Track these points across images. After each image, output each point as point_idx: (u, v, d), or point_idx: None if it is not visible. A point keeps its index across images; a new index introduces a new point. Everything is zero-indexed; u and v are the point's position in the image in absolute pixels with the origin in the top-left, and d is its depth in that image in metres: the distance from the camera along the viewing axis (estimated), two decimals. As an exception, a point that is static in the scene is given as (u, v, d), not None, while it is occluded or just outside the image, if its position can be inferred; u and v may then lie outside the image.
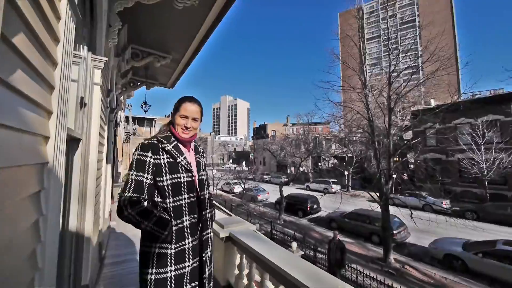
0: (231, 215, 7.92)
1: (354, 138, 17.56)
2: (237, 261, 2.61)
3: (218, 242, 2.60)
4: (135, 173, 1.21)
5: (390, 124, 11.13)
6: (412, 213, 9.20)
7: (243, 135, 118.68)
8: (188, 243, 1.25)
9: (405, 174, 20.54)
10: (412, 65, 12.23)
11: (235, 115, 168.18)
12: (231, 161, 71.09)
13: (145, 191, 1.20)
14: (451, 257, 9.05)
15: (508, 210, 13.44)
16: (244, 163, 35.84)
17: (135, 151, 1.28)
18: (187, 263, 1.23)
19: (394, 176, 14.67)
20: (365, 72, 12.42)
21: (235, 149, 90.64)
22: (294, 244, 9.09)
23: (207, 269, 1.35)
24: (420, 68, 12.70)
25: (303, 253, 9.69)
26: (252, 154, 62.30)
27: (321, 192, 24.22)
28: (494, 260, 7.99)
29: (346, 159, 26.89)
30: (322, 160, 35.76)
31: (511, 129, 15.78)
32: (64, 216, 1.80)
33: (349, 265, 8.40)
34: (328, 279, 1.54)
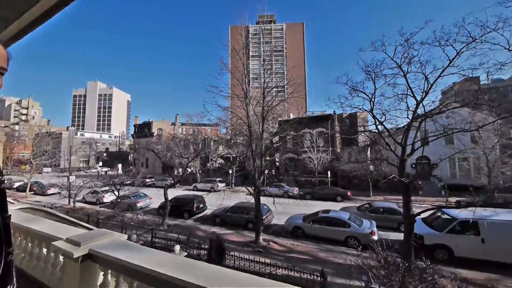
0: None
1: (238, 141, 19.92)
2: (100, 280, 2.26)
3: (71, 265, 2.14)
4: None
5: (263, 130, 13.57)
6: (274, 200, 11.85)
7: (120, 132, 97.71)
8: None
9: (273, 170, 25.82)
10: (279, 84, 15.57)
11: (110, 108, 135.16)
12: (100, 164, 56.68)
13: None
14: (296, 228, 12.55)
15: (325, 190, 20.78)
16: (120, 165, 29.79)
17: None
18: None
19: (266, 172, 18.21)
20: (246, 84, 14.32)
21: (107, 148, 73.16)
22: (177, 247, 8.92)
23: None
24: (285, 88, 16.47)
25: (186, 253, 9.70)
26: (131, 155, 53.05)
27: (207, 191, 25.09)
28: (317, 224, 12.02)
29: (231, 159, 29.64)
30: (210, 161, 37.00)
31: (328, 138, 24.50)
32: None
33: (228, 253, 9.44)
34: (201, 266, 1.69)
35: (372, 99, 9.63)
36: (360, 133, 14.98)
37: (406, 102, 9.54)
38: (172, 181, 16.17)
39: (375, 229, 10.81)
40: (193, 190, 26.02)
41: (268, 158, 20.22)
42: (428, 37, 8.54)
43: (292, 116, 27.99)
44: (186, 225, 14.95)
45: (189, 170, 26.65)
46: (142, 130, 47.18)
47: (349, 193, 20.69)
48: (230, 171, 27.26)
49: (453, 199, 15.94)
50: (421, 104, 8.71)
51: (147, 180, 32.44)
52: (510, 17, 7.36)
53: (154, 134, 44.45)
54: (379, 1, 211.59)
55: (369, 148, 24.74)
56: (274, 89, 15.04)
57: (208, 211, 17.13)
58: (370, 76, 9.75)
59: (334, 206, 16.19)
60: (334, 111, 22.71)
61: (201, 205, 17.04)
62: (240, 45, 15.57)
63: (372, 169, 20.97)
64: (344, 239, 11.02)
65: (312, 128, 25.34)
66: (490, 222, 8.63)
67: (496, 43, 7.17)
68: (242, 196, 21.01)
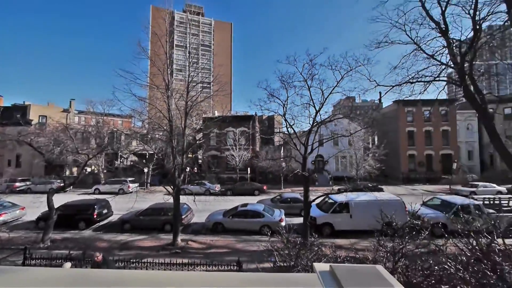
0: None
1: (157, 136, 18.06)
2: None
3: None
4: None
5: (186, 126, 13.01)
6: (195, 198, 11.68)
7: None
8: None
9: (195, 168, 25.17)
10: (205, 80, 15.30)
11: None
12: None
13: None
14: (217, 224, 12.88)
15: (245, 186, 22.39)
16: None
17: None
18: None
19: (187, 169, 17.54)
20: (168, 75, 13.22)
21: None
22: (67, 264, 7.24)
23: None
24: (212, 85, 16.31)
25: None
26: (-13, 149, 37.32)
27: (115, 193, 21.41)
28: (236, 218, 12.81)
29: (147, 156, 26.48)
30: (119, 158, 31.62)
31: (249, 137, 26.43)
32: None
33: (139, 261, 8.54)
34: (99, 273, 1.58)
35: (285, 105, 11.28)
36: (275, 134, 17.07)
37: (309, 110, 11.81)
38: (62, 184, 12.65)
39: (283, 217, 12.70)
40: (93, 193, 21.53)
41: (191, 155, 19.55)
42: (324, 61, 10.97)
43: (217, 114, 28.17)
44: (82, 237, 12.25)
45: (89, 170, 21.70)
46: (11, 115, 34.09)
47: (265, 187, 23.16)
48: (146, 170, 24.33)
49: (336, 187, 20.95)
50: (318, 113, 11.00)
51: (18, 184, 24.02)
52: (371, 57, 10.61)
53: (33, 122, 33.18)
54: (302, 18, 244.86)
55: (282, 147, 28.50)
56: (200, 85, 14.71)
57: (114, 217, 14.70)
58: (284, 85, 11.38)
59: (252, 200, 17.66)
60: (256, 112, 24.78)
61: (105, 211, 14.42)
62: (163, 31, 14.17)
63: (284, 165, 24.31)
64: (259, 229, 12.30)
65: (236, 127, 26.63)
66: (355, 202, 12.06)
67: (363, 74, 10.19)
68: (159, 196, 19.30)
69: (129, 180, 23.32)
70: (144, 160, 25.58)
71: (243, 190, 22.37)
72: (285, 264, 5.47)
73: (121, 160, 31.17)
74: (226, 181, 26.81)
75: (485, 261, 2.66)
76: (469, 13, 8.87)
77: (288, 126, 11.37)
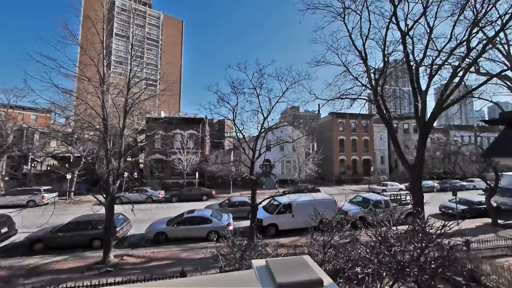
0: None
1: (86, 136, 15.42)
2: None
3: None
4: None
5: (125, 126, 11.66)
6: (133, 207, 10.50)
7: None
8: None
9: (135, 173, 22.60)
10: (150, 77, 14.08)
11: None
12: None
13: None
14: (159, 234, 11.89)
15: (192, 191, 21.49)
16: None
17: None
18: None
19: (125, 175, 15.55)
20: (104, 67, 11.66)
21: None
22: None
23: None
24: (158, 83, 15.11)
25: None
26: None
27: (21, 206, 17.05)
28: (182, 226, 12.15)
29: (71, 159, 22.18)
30: (30, 161, 25.44)
31: (197, 140, 25.63)
32: None
33: (55, 287, 7.09)
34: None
35: (235, 111, 11.55)
36: (225, 138, 17.15)
37: (258, 117, 12.46)
38: None
39: (231, 221, 12.79)
40: (-15, 208, 16.58)
41: (130, 159, 17.53)
42: (272, 72, 11.85)
43: (163, 115, 26.15)
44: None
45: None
46: None
47: (213, 192, 22.73)
48: (69, 176, 20.30)
49: (281, 190, 22.48)
50: (266, 119, 11.71)
51: None
52: (312, 74, 12.10)
53: None
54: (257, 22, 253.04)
55: (232, 152, 28.70)
56: (144, 81, 13.54)
57: (20, 236, 11.72)
58: (235, 91, 11.68)
59: (200, 206, 17.08)
60: (206, 115, 24.19)
61: (4, 230, 11.34)
62: (100, 16, 12.44)
63: (234, 170, 24.53)
64: (206, 235, 12.01)
65: (184, 129, 25.29)
66: (296, 203, 13.26)
67: (304, 87, 11.48)
68: (86, 207, 16.46)
69: (44, 189, 18.95)
70: (67, 165, 21.27)
71: (190, 196, 21.36)
72: (230, 268, 5.59)
73: (32, 165, 24.98)
74: (171, 186, 24.95)
75: (384, 244, 3.51)
76: (380, 48, 11.25)
77: (237, 131, 11.67)
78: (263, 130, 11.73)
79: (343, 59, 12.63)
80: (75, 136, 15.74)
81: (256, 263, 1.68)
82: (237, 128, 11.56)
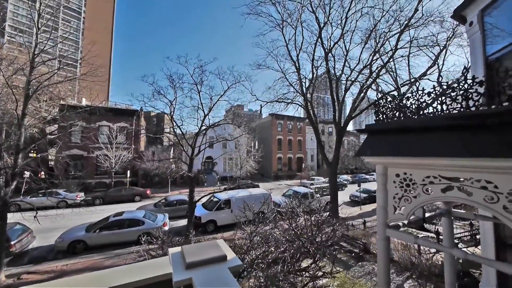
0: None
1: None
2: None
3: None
4: None
5: (25, 113, 9.45)
6: (37, 213, 8.64)
7: None
8: None
9: (41, 172, 18.29)
10: (68, 55, 11.75)
11: None
12: None
13: None
14: (75, 242, 10.19)
15: (122, 192, 19.14)
16: None
17: None
18: None
19: (26, 174, 12.44)
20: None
21: None
22: None
23: None
24: (79, 65, 12.66)
25: None
26: None
27: None
28: (107, 231, 10.77)
29: None
30: None
31: (130, 134, 22.92)
32: None
33: None
34: None
35: (173, 105, 11.04)
36: (164, 133, 16.06)
37: (198, 113, 12.27)
38: None
39: (167, 221, 12.19)
40: None
41: (34, 155, 14.21)
42: (214, 69, 11.96)
43: (84, 103, 21.96)
44: None
45: None
46: None
47: (148, 192, 20.83)
48: None
49: (223, 187, 22.76)
50: (207, 116, 11.70)
51: None
52: (253, 76, 12.78)
53: None
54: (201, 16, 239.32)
55: (172, 148, 26.96)
56: (58, 60, 11.27)
57: None
58: (173, 85, 11.15)
59: (131, 207, 15.45)
60: (142, 107, 21.71)
61: None
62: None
63: (174, 167, 23.13)
64: (137, 238, 11.05)
65: (112, 121, 21.81)
66: (235, 198, 13.82)
67: (246, 88, 12.01)
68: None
69: None
70: None
71: (119, 197, 18.87)
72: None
73: None
74: (95, 187, 21.35)
75: (294, 229, 4.39)
76: (311, 60, 12.99)
77: (175, 126, 11.20)
78: (203, 127, 11.67)
79: (281, 66, 14.00)
80: None
81: (172, 250, 1.90)
82: (174, 123, 11.09)
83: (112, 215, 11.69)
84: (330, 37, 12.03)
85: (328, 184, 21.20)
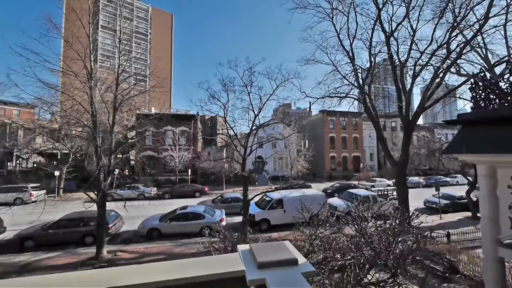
0: None
1: (74, 132, 15.14)
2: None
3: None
4: None
5: (114, 122, 11.58)
6: (125, 204, 10.55)
7: None
8: None
9: (126, 170, 22.37)
10: (140, 73, 13.88)
11: None
12: None
13: None
14: (152, 230, 12.01)
15: (185, 188, 21.56)
16: None
17: None
18: None
19: (116, 172, 15.43)
20: (91, 61, 11.44)
21: None
22: None
23: None
24: (148, 79, 14.93)
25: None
26: None
27: (9, 204, 16.67)
28: (175, 222, 12.30)
29: (59, 156, 21.68)
30: (16, 159, 24.67)
31: (189, 137, 25.58)
32: None
33: None
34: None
35: (226, 108, 11.69)
36: (218, 135, 17.25)
37: (249, 114, 12.63)
38: None
39: (224, 217, 13.04)
40: (-31, 206, 16.11)
41: (121, 156, 17.38)
42: (263, 70, 12.11)
43: (153, 111, 25.83)
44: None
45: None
46: None
47: (206, 189, 22.87)
48: (57, 173, 19.88)
49: (274, 186, 22.90)
50: (257, 117, 11.92)
51: None
52: (302, 72, 12.40)
53: None
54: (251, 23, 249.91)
55: (224, 148, 28.80)
56: (133, 77, 13.37)
57: (9, 234, 11.55)
58: (226, 88, 11.80)
59: (192, 202, 17.21)
60: (198, 112, 24.08)
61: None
62: (85, 9, 12.12)
63: (226, 166, 24.68)
64: (199, 230, 12.19)
65: (175, 126, 25.16)
66: (288, 199, 13.64)
67: (295, 85, 11.78)
68: (77, 205, 16.26)
69: (32, 187, 18.54)
70: (55, 162, 20.79)
71: (183, 193, 21.40)
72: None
73: (18, 162, 24.20)
74: (164, 183, 24.88)
75: (364, 235, 3.89)
76: (367, 48, 11.63)
77: (228, 128, 11.83)
78: (254, 127, 11.94)
79: (332, 58, 13.10)
80: (62, 132, 15.40)
81: (241, 247, 1.93)
82: (227, 125, 11.72)
83: (178, 208, 13.26)
84: (391, 18, 10.48)
85: (394, 187, 18.68)
